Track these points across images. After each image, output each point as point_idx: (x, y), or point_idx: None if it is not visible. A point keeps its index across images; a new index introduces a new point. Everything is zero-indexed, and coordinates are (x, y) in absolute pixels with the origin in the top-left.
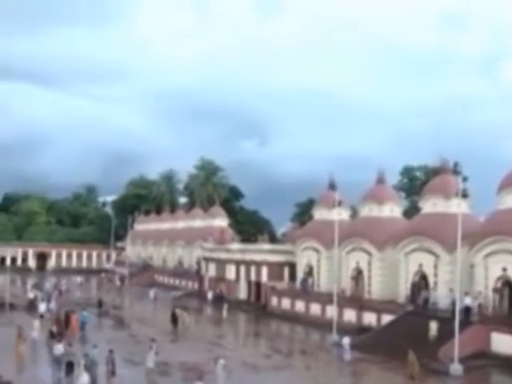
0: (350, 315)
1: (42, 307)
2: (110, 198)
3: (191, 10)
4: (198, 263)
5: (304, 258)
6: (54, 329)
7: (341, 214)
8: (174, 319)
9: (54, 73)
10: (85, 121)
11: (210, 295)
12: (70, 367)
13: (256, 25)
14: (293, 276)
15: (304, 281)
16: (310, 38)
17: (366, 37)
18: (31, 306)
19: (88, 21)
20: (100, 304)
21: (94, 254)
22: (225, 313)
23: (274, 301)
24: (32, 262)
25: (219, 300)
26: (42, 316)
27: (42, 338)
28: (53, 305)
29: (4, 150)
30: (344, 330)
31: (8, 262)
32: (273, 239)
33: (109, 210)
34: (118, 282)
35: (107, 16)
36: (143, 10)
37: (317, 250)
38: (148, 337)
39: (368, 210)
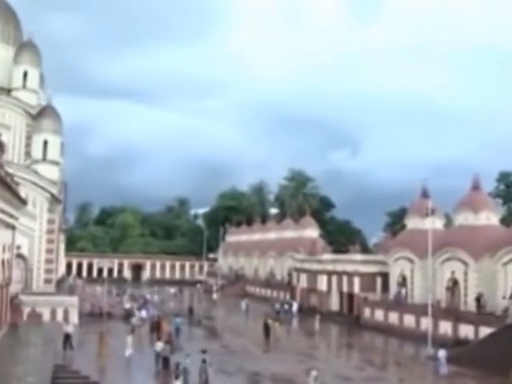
0: (445, 327)
1: (135, 319)
2: (201, 211)
3: (284, 22)
4: (290, 274)
5: (397, 268)
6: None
7: (434, 223)
8: (267, 330)
9: (149, 89)
10: (178, 135)
11: (294, 307)
12: (166, 362)
13: (348, 34)
14: (386, 287)
15: (398, 292)
16: (401, 45)
17: (460, 40)
18: (127, 316)
19: (182, 37)
20: (191, 311)
21: (187, 265)
22: (317, 324)
23: (367, 312)
24: (127, 273)
25: (311, 311)
26: (133, 330)
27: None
28: (149, 313)
29: (101, 165)
30: (439, 342)
31: (105, 273)
32: (365, 249)
33: (201, 222)
34: (215, 295)
35: (201, 32)
36: (236, 25)
37: (410, 260)
38: (241, 347)
39: (463, 218)
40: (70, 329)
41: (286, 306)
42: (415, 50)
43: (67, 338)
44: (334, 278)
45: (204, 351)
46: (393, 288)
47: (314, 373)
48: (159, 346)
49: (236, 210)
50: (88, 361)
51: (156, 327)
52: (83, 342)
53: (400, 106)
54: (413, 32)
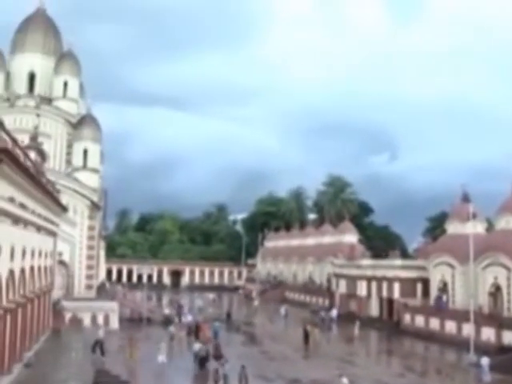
0: (488, 334)
1: (173, 327)
2: (240, 216)
3: (321, 27)
4: (329, 280)
5: (437, 273)
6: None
7: (476, 228)
8: (306, 336)
9: (187, 96)
10: (216, 141)
11: (334, 313)
12: (203, 361)
13: (386, 36)
14: (426, 292)
15: (438, 298)
16: (440, 46)
17: (499, 41)
18: (167, 322)
19: (220, 44)
20: (229, 316)
21: (226, 271)
22: (356, 330)
23: (407, 318)
24: (167, 279)
25: (350, 317)
26: (172, 338)
27: (174, 358)
28: (187, 319)
29: (141, 172)
30: (482, 349)
31: (144, 279)
32: (404, 255)
33: (239, 227)
34: (256, 302)
35: (238, 39)
36: (274, 31)
37: (451, 266)
38: (280, 353)
39: (505, 223)
40: (101, 334)
41: (330, 313)
42: (454, 51)
43: (97, 342)
44: (374, 284)
45: (225, 359)
46: (433, 294)
47: (344, 380)
48: (197, 346)
49: (274, 216)
50: (125, 366)
51: (195, 331)
52: (121, 347)
53: (439, 109)
54: (452, 33)
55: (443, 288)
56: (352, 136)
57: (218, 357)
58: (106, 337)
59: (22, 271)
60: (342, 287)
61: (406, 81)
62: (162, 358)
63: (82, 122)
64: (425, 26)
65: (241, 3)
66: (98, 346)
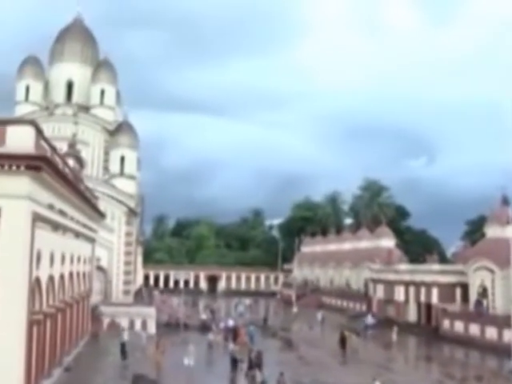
0: None
1: (211, 334)
2: (276, 221)
3: (356, 30)
4: (366, 285)
5: (477, 278)
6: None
7: None
8: (343, 341)
9: (223, 102)
10: (252, 146)
11: (369, 320)
12: (234, 362)
13: (422, 38)
14: (465, 297)
15: (478, 303)
16: (478, 48)
17: None
18: (204, 327)
19: (256, 50)
20: (265, 321)
21: (262, 276)
22: (394, 336)
23: (446, 324)
24: (203, 285)
25: (388, 322)
26: (211, 346)
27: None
28: (230, 324)
29: (178, 177)
30: None
31: (181, 284)
32: (443, 259)
33: (275, 232)
34: (295, 309)
35: (274, 44)
36: (309, 37)
37: (491, 270)
38: (317, 359)
39: None
40: (125, 337)
41: (373, 320)
42: (493, 52)
43: (123, 346)
44: (412, 289)
45: (241, 360)
46: (473, 299)
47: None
48: (231, 346)
49: (311, 221)
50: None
51: (233, 335)
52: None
53: (477, 111)
54: (490, 34)
55: (483, 293)
56: (388, 140)
57: (259, 364)
58: (144, 341)
59: (62, 277)
60: (379, 292)
61: (443, 83)
62: (188, 360)
63: (119, 129)
64: (463, 28)
65: (276, 10)
66: (124, 349)
